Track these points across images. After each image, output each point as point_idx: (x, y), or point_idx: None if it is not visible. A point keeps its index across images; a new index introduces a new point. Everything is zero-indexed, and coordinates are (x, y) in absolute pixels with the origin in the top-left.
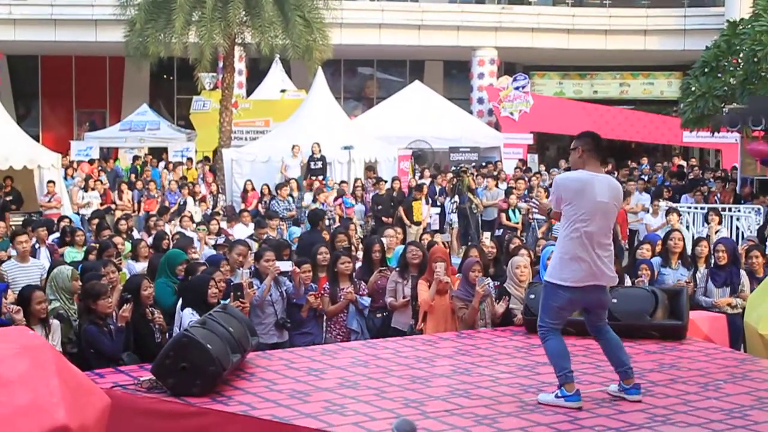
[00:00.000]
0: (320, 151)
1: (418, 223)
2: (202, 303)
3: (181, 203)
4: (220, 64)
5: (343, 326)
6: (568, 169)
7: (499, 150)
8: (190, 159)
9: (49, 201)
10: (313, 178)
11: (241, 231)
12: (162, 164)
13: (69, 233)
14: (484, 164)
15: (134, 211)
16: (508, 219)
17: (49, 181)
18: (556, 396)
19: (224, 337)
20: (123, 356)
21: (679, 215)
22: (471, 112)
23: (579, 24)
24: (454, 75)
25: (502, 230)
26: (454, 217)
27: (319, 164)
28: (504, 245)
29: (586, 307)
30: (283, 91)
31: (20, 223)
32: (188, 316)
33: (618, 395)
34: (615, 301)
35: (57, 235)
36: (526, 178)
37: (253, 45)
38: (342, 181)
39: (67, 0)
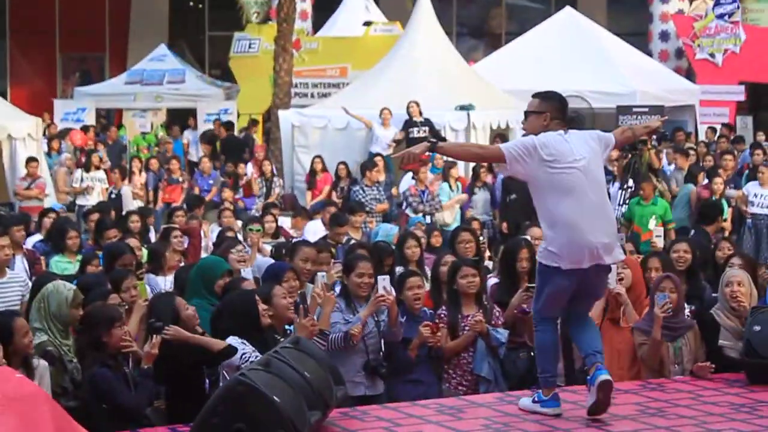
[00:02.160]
0: (421, 113)
1: None
2: (250, 329)
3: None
4: None
5: (468, 372)
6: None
7: (694, 110)
8: (225, 124)
9: (29, 187)
10: None
11: (316, 230)
12: (188, 133)
13: (58, 234)
14: (670, 132)
15: (149, 202)
16: None
17: (30, 159)
18: (533, 400)
19: (298, 386)
20: (147, 412)
21: None
22: (650, 54)
23: None
24: None
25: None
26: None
27: (422, 131)
28: (706, 253)
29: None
30: (367, 24)
31: None
32: (237, 347)
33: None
34: (758, 328)
35: (38, 237)
36: (736, 152)
37: None
38: None
39: None
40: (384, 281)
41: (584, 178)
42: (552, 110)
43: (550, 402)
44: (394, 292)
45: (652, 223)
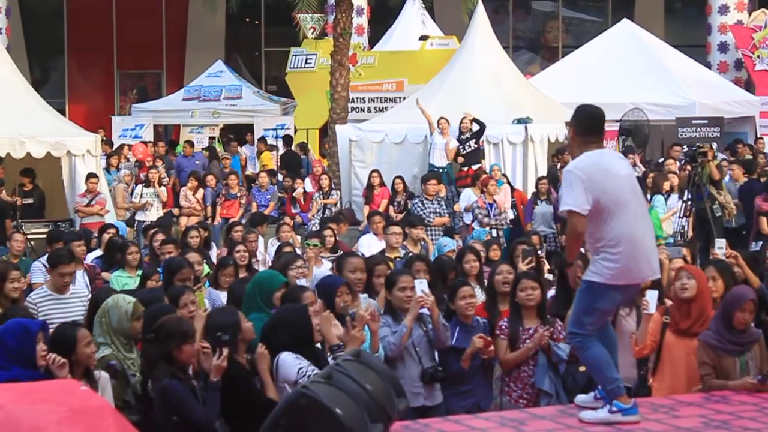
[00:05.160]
0: (471, 125)
1: None
2: (304, 344)
3: None
4: (331, 1)
5: (529, 385)
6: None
7: (754, 121)
8: (262, 139)
9: (89, 203)
10: (467, 168)
11: (369, 243)
12: (246, 149)
13: (118, 250)
14: (730, 143)
15: (207, 218)
16: None
17: (90, 175)
18: (611, 411)
19: (360, 399)
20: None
21: None
22: (709, 66)
23: None
24: (680, 10)
25: (762, 243)
26: (687, 224)
27: (471, 144)
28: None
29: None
30: (424, 38)
31: (44, 236)
32: (291, 364)
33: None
34: None
35: (98, 252)
36: None
37: None
38: None
39: None
40: (421, 284)
41: (631, 191)
42: (575, 123)
43: (633, 409)
44: (432, 295)
45: None
